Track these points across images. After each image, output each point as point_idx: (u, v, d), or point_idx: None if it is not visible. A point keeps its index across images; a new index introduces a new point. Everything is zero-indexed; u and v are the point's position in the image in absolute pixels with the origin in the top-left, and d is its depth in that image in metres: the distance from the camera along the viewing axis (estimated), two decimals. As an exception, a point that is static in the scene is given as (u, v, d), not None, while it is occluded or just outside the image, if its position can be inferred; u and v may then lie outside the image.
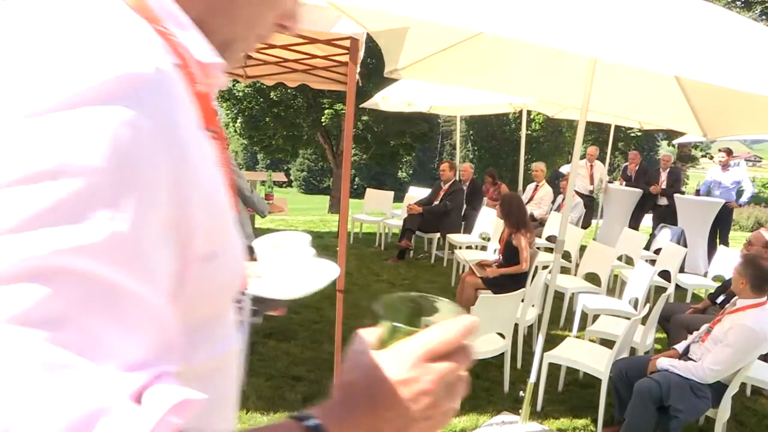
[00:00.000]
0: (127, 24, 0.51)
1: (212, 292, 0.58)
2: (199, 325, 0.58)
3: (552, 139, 27.86)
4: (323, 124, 21.87)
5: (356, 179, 46.93)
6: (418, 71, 4.18)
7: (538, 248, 6.01)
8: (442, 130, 43.61)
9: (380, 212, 9.62)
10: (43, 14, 0.49)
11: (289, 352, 4.78)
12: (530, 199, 8.76)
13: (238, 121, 23.01)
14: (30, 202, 0.41)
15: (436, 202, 8.35)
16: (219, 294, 0.60)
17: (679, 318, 4.81)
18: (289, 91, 20.75)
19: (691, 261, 7.90)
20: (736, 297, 3.84)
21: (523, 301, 4.61)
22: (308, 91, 19.75)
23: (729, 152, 9.40)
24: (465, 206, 8.75)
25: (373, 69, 14.46)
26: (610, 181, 10.71)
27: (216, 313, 0.62)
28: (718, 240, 8.89)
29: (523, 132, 8.41)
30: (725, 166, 9.28)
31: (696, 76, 2.09)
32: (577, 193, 9.56)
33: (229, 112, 23.01)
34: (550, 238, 7.86)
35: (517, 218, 5.36)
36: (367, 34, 3.40)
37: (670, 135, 19.38)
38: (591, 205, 10.08)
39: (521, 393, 3.75)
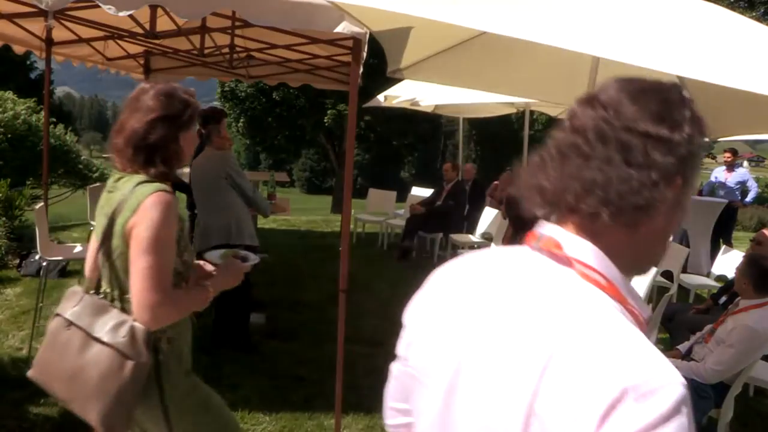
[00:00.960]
0: (638, 333, 0.77)
1: None
2: None
3: (555, 139, 27.80)
4: (325, 124, 21.87)
5: (359, 179, 46.88)
6: (421, 72, 4.18)
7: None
8: (445, 130, 43.53)
9: (383, 212, 9.63)
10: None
11: (292, 352, 4.79)
12: (533, 199, 8.73)
13: (241, 121, 23.04)
14: None
15: (439, 203, 8.35)
16: None
17: (682, 318, 4.80)
18: (291, 91, 20.76)
19: (694, 261, 7.88)
20: (738, 297, 3.83)
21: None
22: (310, 91, 19.75)
23: (734, 152, 9.33)
24: (468, 206, 8.75)
25: (376, 69, 14.45)
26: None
27: None
28: (720, 240, 8.87)
29: (526, 132, 8.40)
30: (730, 166, 9.22)
31: (699, 76, 2.08)
32: (580, 193, 9.53)
33: (231, 112, 23.03)
34: (552, 239, 7.84)
35: (523, 218, 5.35)
36: (370, 33, 3.40)
37: (673, 135, 19.30)
38: (593, 205, 10.04)
39: (524, 393, 3.75)
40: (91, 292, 1.85)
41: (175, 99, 1.81)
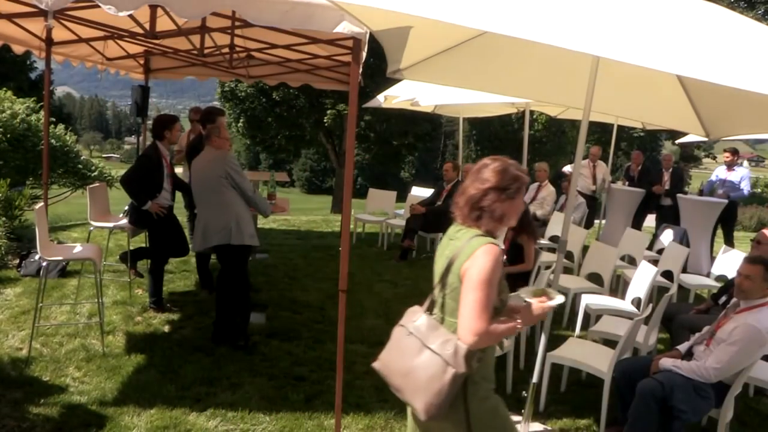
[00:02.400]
0: None
1: None
2: None
3: (555, 139, 27.82)
4: (325, 124, 21.86)
5: (359, 179, 46.91)
6: (421, 72, 4.18)
7: (541, 248, 6.00)
8: (445, 130, 43.53)
9: (383, 212, 9.63)
10: None
11: (292, 352, 4.78)
12: (533, 199, 8.74)
13: (241, 120, 23.01)
14: None
15: (439, 203, 8.35)
16: None
17: (682, 318, 4.80)
18: (291, 91, 20.74)
19: (694, 261, 7.88)
20: (734, 299, 3.82)
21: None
22: (310, 91, 19.72)
23: (734, 152, 9.31)
24: (467, 206, 8.73)
25: (376, 69, 14.44)
26: (612, 181, 10.69)
27: None
28: (723, 239, 8.87)
29: (526, 132, 8.39)
30: (730, 166, 9.22)
31: (698, 75, 2.08)
32: (580, 193, 9.54)
33: (231, 112, 23.01)
34: (552, 239, 7.85)
35: (520, 220, 5.36)
36: (370, 33, 3.40)
37: (673, 135, 19.35)
38: (594, 205, 10.05)
39: (524, 393, 3.75)
40: (427, 312, 2.36)
41: (508, 174, 2.27)
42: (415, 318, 2.35)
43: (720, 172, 9.33)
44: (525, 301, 2.48)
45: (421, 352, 2.24)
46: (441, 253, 2.40)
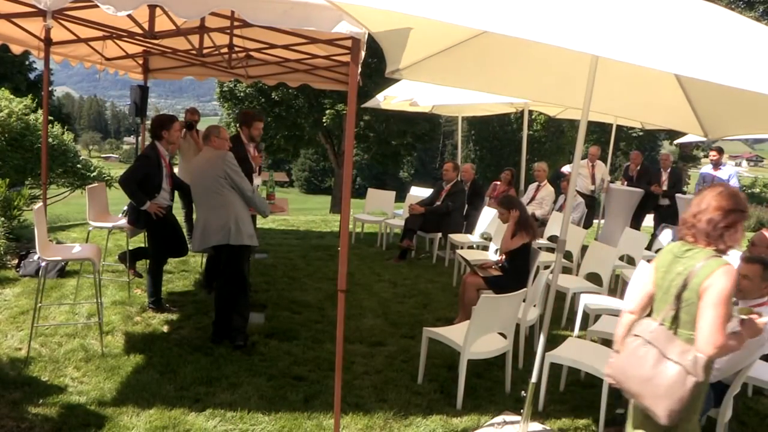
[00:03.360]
0: None
1: None
2: None
3: (554, 139, 27.85)
4: (324, 124, 21.85)
5: (358, 179, 46.97)
6: (420, 72, 4.17)
7: (540, 248, 6.01)
8: (444, 130, 43.55)
9: (382, 212, 9.63)
10: None
11: (291, 352, 4.78)
12: (532, 199, 8.75)
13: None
14: None
15: (438, 203, 8.35)
16: None
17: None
18: (290, 91, 20.74)
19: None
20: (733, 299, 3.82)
21: (524, 301, 4.61)
22: (309, 92, 19.72)
23: (720, 151, 9.42)
24: (467, 206, 8.75)
25: (375, 69, 14.45)
26: (611, 181, 10.70)
27: None
28: None
29: (525, 132, 8.40)
30: (716, 164, 9.32)
31: (698, 75, 2.09)
32: (579, 193, 9.54)
33: (230, 112, 23.00)
34: (551, 238, 7.85)
35: (521, 218, 5.36)
36: (369, 33, 3.40)
37: (672, 135, 19.36)
38: (592, 205, 10.06)
39: (523, 393, 3.75)
40: (659, 323, 2.57)
41: (740, 198, 2.55)
42: (651, 329, 2.57)
43: (707, 171, 9.46)
44: (742, 318, 2.68)
45: (661, 362, 2.46)
46: (669, 269, 2.60)
